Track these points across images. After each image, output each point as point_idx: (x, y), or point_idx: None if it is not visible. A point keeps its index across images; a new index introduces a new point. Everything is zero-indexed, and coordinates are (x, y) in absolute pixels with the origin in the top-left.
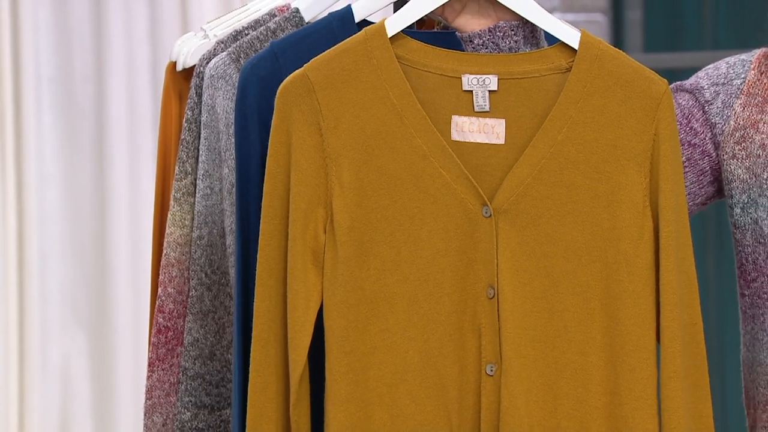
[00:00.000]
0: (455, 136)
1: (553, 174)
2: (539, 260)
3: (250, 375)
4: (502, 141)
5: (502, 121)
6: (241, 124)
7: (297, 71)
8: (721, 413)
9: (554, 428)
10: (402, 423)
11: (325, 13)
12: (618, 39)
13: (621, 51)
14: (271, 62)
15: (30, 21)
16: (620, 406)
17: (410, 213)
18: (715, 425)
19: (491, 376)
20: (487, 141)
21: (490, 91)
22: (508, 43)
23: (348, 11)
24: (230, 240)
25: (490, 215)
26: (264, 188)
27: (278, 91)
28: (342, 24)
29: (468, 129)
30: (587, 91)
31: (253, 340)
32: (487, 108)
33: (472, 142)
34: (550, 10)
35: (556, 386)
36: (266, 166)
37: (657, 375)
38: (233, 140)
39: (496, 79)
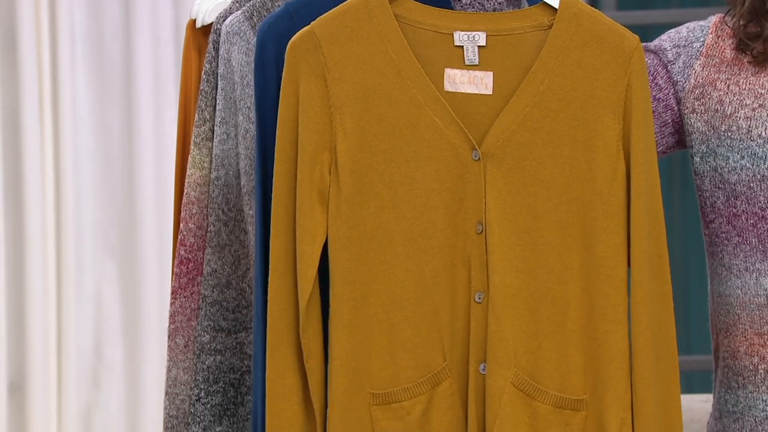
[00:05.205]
0: (448, 87)
1: (535, 121)
2: (523, 199)
3: (268, 303)
4: (490, 91)
5: (490, 74)
6: (260, 77)
7: (305, 28)
8: (685, 336)
9: (536, 349)
10: (399, 345)
11: None
12: None
13: (597, 10)
14: (286, 21)
15: None
16: (595, 329)
17: (407, 156)
18: (679, 346)
19: (479, 303)
20: (476, 91)
21: (479, 46)
22: (492, 4)
23: None
24: (245, 180)
25: (479, 158)
26: (276, 134)
27: (288, 46)
28: None
29: (459, 81)
30: (566, 46)
31: (270, 272)
32: (476, 61)
33: (463, 93)
34: None
35: (538, 312)
36: (278, 114)
37: (628, 301)
38: (248, 90)
39: (485, 35)
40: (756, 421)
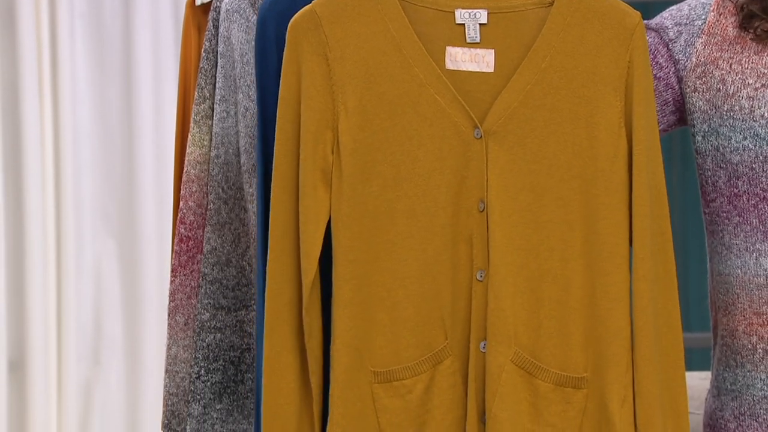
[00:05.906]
0: (449, 65)
1: (537, 99)
2: (525, 177)
3: (266, 282)
4: (491, 69)
5: (492, 51)
6: (261, 56)
7: (306, 7)
8: (684, 314)
9: (537, 327)
10: (401, 324)
11: None
12: None
13: None
14: None
15: None
16: (596, 307)
17: (409, 135)
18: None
19: (481, 281)
20: (478, 69)
21: (480, 24)
22: None
23: None
24: (244, 158)
25: (481, 136)
26: (277, 114)
27: (289, 25)
28: None
29: (460, 59)
30: (568, 23)
31: (269, 251)
32: (477, 39)
33: (464, 71)
34: None
35: (539, 290)
36: (279, 93)
37: (629, 279)
38: (248, 69)
39: (486, 13)
40: (754, 400)
